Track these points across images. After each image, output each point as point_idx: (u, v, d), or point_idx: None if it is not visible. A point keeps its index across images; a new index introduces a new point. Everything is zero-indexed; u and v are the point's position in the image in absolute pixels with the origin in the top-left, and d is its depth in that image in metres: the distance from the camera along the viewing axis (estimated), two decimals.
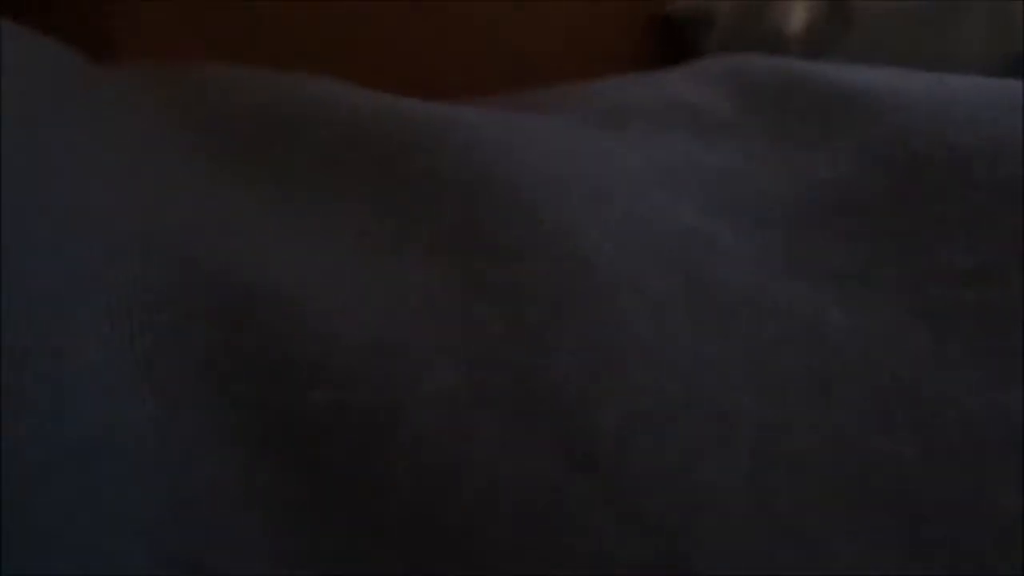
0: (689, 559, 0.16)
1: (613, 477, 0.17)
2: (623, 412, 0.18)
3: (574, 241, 0.20)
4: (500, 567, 0.16)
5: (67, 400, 0.17)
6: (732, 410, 0.18)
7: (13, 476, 0.16)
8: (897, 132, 0.23)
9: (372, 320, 0.19)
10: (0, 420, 0.16)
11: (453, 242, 0.20)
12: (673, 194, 0.22)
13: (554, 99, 0.27)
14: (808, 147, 0.23)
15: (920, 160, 0.22)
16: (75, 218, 0.20)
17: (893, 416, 0.17)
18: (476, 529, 0.16)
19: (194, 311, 0.19)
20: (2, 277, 0.18)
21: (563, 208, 0.21)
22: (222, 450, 0.17)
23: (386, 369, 0.18)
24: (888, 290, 0.20)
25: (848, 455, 0.17)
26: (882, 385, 0.18)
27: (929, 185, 0.21)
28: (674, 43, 0.50)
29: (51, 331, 0.18)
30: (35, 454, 0.16)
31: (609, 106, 0.26)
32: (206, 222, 0.21)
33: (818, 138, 0.23)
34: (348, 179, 0.22)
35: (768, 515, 0.16)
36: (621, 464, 0.17)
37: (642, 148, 0.24)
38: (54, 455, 0.16)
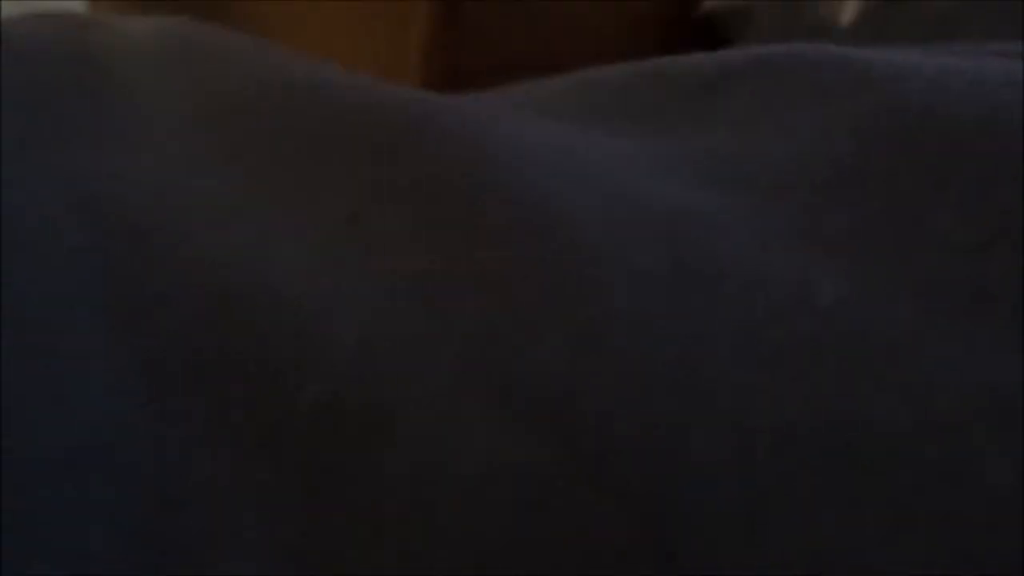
0: (676, 538, 0.16)
1: (597, 458, 0.17)
2: (606, 391, 0.18)
3: (560, 222, 0.20)
4: (493, 559, 0.16)
5: (64, 400, 0.17)
6: (719, 382, 0.17)
7: (9, 478, 0.16)
8: (891, 101, 0.22)
9: (364, 315, 0.19)
10: None
11: (443, 228, 0.21)
12: (662, 174, 0.22)
13: (541, 90, 0.27)
14: (800, 118, 0.23)
15: (914, 130, 0.21)
16: (71, 213, 0.21)
17: (883, 386, 0.17)
18: (470, 522, 0.17)
19: (190, 310, 0.19)
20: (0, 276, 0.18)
21: (550, 191, 0.21)
22: (217, 450, 0.18)
23: (378, 365, 0.18)
24: (881, 261, 0.19)
25: (836, 425, 0.17)
26: (872, 355, 0.18)
27: (923, 156, 0.21)
28: (713, 46, 0.47)
29: (48, 330, 0.18)
30: (32, 455, 0.17)
31: (598, 92, 0.26)
32: (203, 212, 0.21)
33: (810, 108, 0.23)
34: (338, 168, 0.22)
35: (754, 488, 0.16)
36: (604, 444, 0.17)
37: (630, 131, 0.24)
38: (51, 456, 0.17)
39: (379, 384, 0.18)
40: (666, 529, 0.16)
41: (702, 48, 0.43)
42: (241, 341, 0.19)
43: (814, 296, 0.19)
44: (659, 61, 0.27)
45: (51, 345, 0.18)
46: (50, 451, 0.17)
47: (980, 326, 0.18)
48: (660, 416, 0.17)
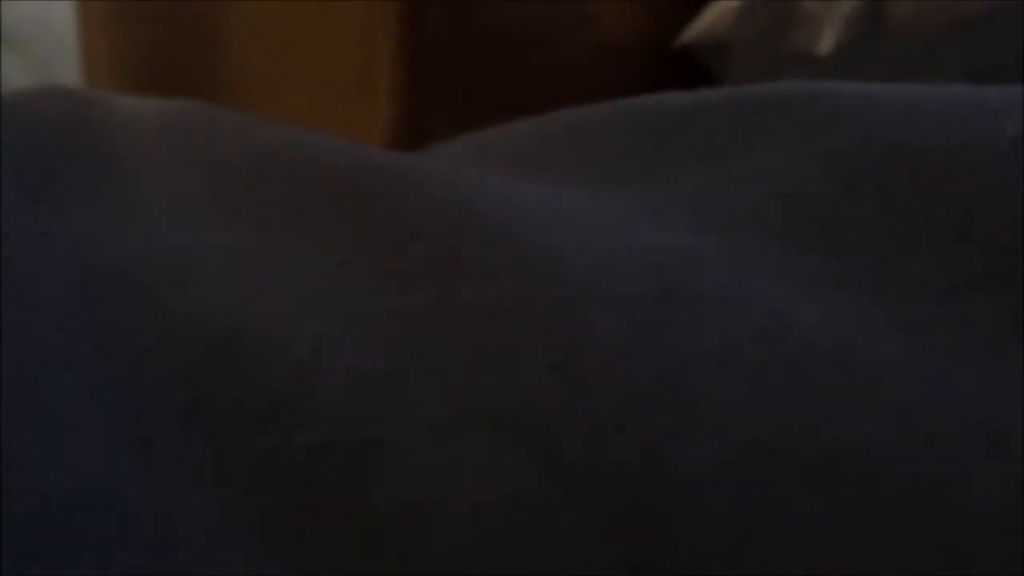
0: (663, 557, 0.16)
1: (585, 482, 0.17)
2: (592, 416, 0.18)
3: (547, 258, 0.20)
4: None
5: (56, 450, 0.18)
6: (703, 398, 0.17)
7: (9, 521, 0.16)
8: (861, 139, 0.22)
9: (355, 356, 0.19)
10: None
11: (430, 269, 0.21)
12: (642, 217, 0.22)
13: (516, 134, 0.28)
14: (774, 158, 0.23)
15: (885, 169, 0.21)
16: (70, 269, 0.21)
17: (867, 402, 0.17)
18: (463, 553, 0.16)
19: (181, 355, 0.20)
20: None
21: (537, 231, 0.21)
22: (209, 491, 0.18)
23: (371, 404, 0.18)
24: (862, 303, 0.19)
25: (820, 440, 0.17)
26: (856, 373, 0.18)
27: (896, 197, 0.21)
28: (692, 79, 0.46)
29: (40, 380, 0.18)
30: (24, 506, 0.17)
31: (573, 135, 0.26)
32: (194, 263, 0.22)
33: (783, 147, 0.23)
34: (326, 219, 0.23)
35: (740, 504, 0.16)
36: (591, 468, 0.17)
37: (608, 175, 0.24)
38: (44, 507, 0.17)
39: (369, 422, 0.18)
40: (656, 547, 0.16)
41: (679, 79, 0.43)
42: (234, 384, 0.19)
43: (797, 315, 0.19)
44: (632, 101, 0.27)
45: (49, 392, 0.19)
46: (49, 494, 0.17)
47: (961, 359, 0.18)
48: (645, 435, 0.17)
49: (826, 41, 0.44)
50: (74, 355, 0.20)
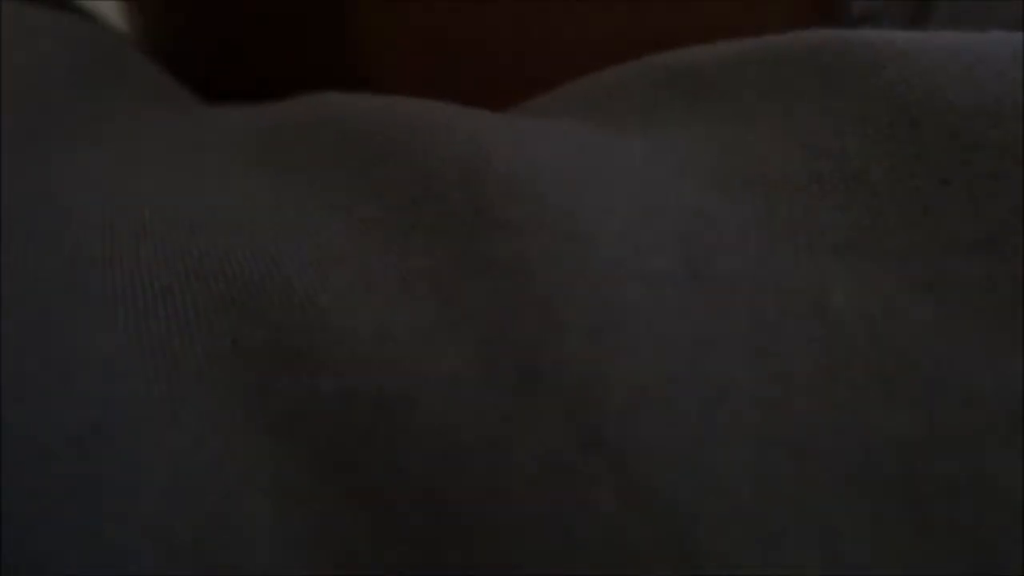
0: (697, 541, 0.16)
1: (619, 455, 0.17)
2: (629, 389, 0.17)
3: (577, 218, 0.20)
4: (509, 549, 0.16)
5: (71, 383, 0.17)
6: (734, 389, 0.17)
7: (12, 461, 0.16)
8: (893, 92, 0.22)
9: (379, 307, 0.19)
10: (0, 404, 0.17)
11: (456, 221, 0.21)
12: (671, 174, 0.22)
13: (557, 97, 0.27)
14: (805, 111, 0.23)
15: (917, 122, 0.21)
16: (79, 203, 0.21)
17: (895, 393, 0.17)
18: (486, 512, 0.16)
19: (204, 299, 0.20)
20: (3, 261, 0.19)
21: (565, 188, 0.21)
22: (229, 438, 0.18)
23: (394, 355, 0.18)
24: (891, 262, 0.19)
25: (850, 435, 0.17)
26: (884, 361, 0.17)
27: (929, 150, 0.20)
28: None
29: (55, 315, 0.18)
30: (36, 438, 0.16)
31: (599, 89, 0.26)
32: (215, 213, 0.21)
33: (815, 100, 0.23)
34: (352, 172, 0.23)
35: (772, 497, 0.16)
36: (627, 442, 0.17)
37: (634, 128, 0.24)
38: (55, 440, 0.17)
39: (396, 374, 0.18)
40: (687, 531, 0.16)
41: None
42: (259, 331, 0.19)
43: (826, 298, 0.19)
44: (661, 56, 0.27)
45: (60, 326, 0.19)
46: (60, 431, 0.17)
47: (993, 327, 0.18)
48: (679, 419, 0.17)
49: None
50: (95, 287, 0.19)
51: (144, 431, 0.17)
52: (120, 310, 0.19)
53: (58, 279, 0.19)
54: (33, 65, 0.26)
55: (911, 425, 0.17)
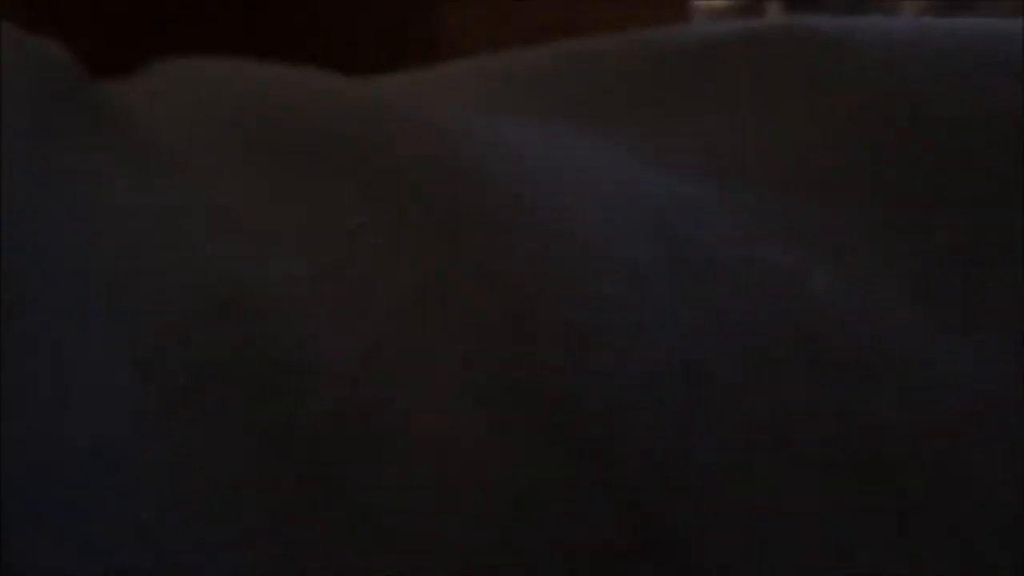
0: (684, 541, 0.16)
1: (601, 458, 0.17)
2: (609, 392, 0.17)
3: (560, 216, 0.20)
4: (496, 564, 0.16)
5: (68, 397, 0.17)
6: (720, 379, 0.17)
7: (12, 474, 0.16)
8: (887, 92, 0.22)
9: (369, 321, 0.19)
10: (1, 417, 0.17)
11: (442, 225, 0.20)
12: (651, 164, 0.22)
13: (518, 65, 0.27)
14: (793, 107, 0.22)
15: (912, 130, 0.21)
16: (73, 216, 0.21)
17: (878, 382, 0.17)
18: (471, 529, 0.16)
19: (194, 314, 0.19)
20: (2, 273, 0.19)
21: (548, 185, 0.21)
22: (219, 453, 0.18)
23: (384, 372, 0.18)
24: (879, 264, 0.19)
25: (833, 425, 0.17)
26: (867, 349, 0.18)
27: (923, 158, 0.20)
28: None
29: (52, 327, 0.18)
30: (35, 452, 0.17)
31: (581, 67, 0.26)
32: (200, 226, 0.21)
33: (804, 95, 0.23)
34: (336, 172, 0.22)
35: (756, 490, 0.16)
36: (608, 445, 0.17)
37: (623, 123, 0.24)
38: (53, 454, 0.17)
39: (386, 393, 0.18)
40: (671, 531, 0.16)
41: None
42: (249, 347, 0.19)
43: (809, 288, 0.19)
44: (648, 33, 0.26)
45: (58, 341, 0.18)
46: (52, 451, 0.17)
47: (979, 336, 0.18)
48: (661, 415, 0.17)
49: None
50: (89, 300, 0.19)
51: (137, 448, 0.17)
52: (116, 322, 0.19)
53: (56, 289, 0.19)
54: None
55: (898, 414, 0.17)
